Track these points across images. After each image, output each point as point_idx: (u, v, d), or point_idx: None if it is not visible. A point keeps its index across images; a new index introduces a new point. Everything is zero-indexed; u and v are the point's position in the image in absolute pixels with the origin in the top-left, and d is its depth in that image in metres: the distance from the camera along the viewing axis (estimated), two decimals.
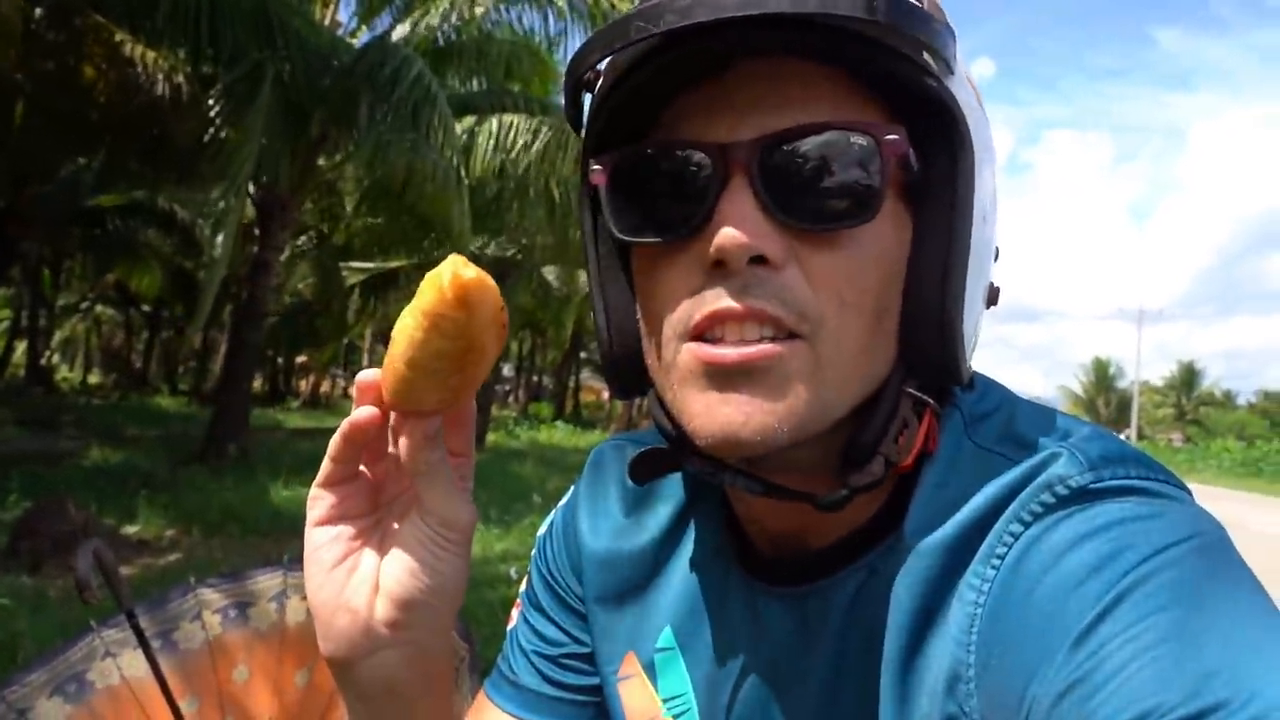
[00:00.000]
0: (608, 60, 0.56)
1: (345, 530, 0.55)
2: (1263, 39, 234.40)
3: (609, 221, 0.58)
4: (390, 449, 0.55)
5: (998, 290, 0.62)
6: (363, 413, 0.52)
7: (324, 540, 0.55)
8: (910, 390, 0.56)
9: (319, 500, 0.55)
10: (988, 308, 0.61)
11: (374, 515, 0.56)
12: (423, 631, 0.55)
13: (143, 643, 1.64)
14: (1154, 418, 66.41)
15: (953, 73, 0.54)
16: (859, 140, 0.52)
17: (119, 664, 1.73)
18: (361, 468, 0.56)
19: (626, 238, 0.57)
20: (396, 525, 0.56)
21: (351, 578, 0.54)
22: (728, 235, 0.50)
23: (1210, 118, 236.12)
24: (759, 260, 0.51)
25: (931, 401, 0.56)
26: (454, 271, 0.47)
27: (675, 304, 0.55)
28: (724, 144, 0.52)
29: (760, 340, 0.52)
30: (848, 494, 0.55)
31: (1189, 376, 69.98)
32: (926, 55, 0.52)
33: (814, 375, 0.52)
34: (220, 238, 7.94)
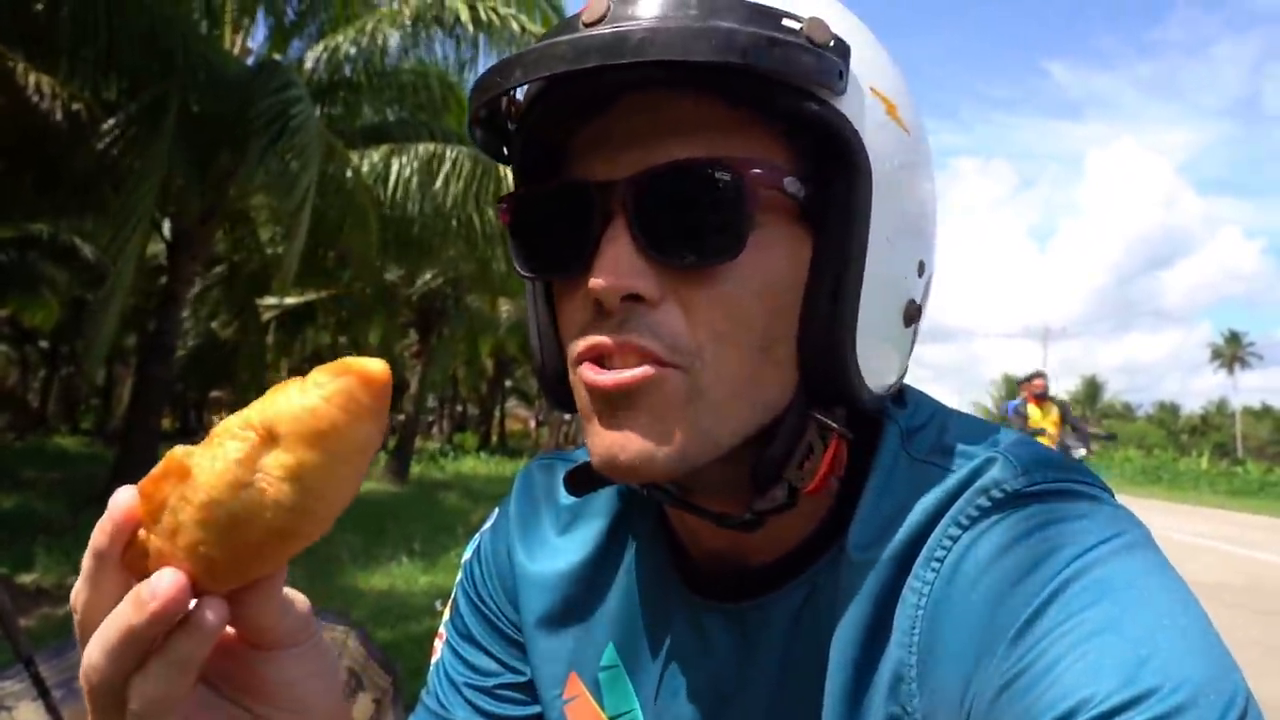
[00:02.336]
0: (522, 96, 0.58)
1: None
2: (1144, 71, 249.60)
3: (513, 258, 0.60)
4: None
5: (919, 308, 0.60)
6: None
7: None
8: (818, 416, 0.56)
9: None
10: (908, 325, 0.60)
11: None
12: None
13: (42, 692, 1.54)
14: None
15: (843, 91, 0.53)
16: (723, 176, 0.52)
17: (15, 717, 1.62)
18: None
19: (527, 275, 0.60)
20: None
21: None
22: (597, 282, 0.52)
23: (1102, 145, 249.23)
24: (636, 298, 0.52)
25: (837, 427, 0.56)
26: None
27: (570, 334, 0.56)
28: (602, 183, 0.53)
29: (637, 367, 0.52)
30: (752, 518, 0.56)
31: (1092, 390, 73.35)
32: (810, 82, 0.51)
33: (691, 404, 0.53)
34: (121, 269, 7.58)
